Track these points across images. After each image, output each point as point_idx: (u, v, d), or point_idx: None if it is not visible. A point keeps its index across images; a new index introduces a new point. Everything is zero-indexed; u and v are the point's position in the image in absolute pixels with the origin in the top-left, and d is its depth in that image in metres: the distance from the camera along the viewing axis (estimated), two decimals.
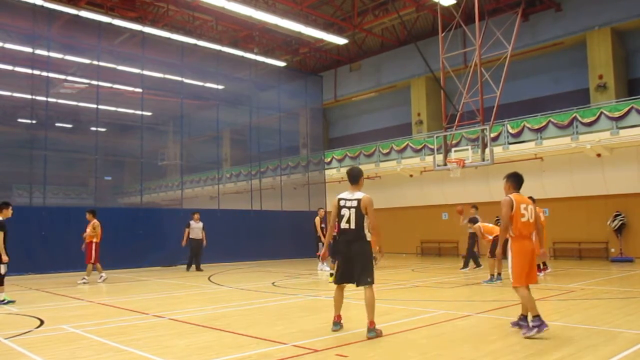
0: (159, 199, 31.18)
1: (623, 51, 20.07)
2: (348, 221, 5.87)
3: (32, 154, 16.94)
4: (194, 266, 16.21)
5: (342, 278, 6.02)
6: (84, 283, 12.27)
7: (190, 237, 16.01)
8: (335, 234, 6.31)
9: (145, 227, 17.77)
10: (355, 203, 5.86)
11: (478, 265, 14.61)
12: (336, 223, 6.13)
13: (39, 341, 5.89)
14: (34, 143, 17.30)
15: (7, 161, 20.49)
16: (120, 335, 6.11)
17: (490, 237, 11.59)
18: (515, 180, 6.17)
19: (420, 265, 16.98)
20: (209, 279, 13.51)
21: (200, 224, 16.17)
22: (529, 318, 5.74)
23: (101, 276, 12.77)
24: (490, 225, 12.31)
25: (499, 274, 11.26)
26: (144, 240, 17.50)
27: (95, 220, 12.70)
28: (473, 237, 14.32)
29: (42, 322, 7.03)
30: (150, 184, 29.90)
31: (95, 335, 6.09)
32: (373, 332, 5.66)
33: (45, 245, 14.80)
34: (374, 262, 6.03)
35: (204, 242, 16.16)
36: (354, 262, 5.87)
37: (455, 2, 17.49)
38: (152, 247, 17.53)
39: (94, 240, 12.59)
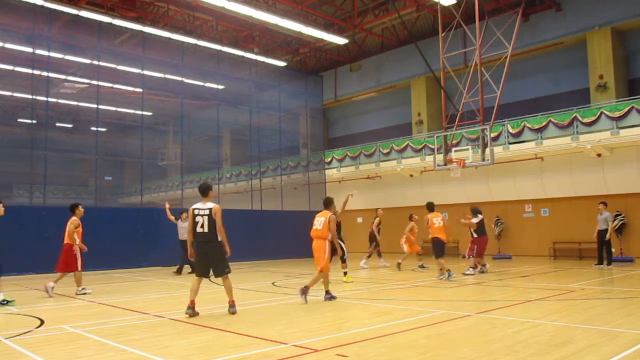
0: (159, 199, 31.15)
1: (623, 51, 20.06)
2: (202, 226, 7.24)
3: (32, 154, 16.95)
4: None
5: (201, 272, 7.47)
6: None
7: (179, 239, 14.98)
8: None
9: (145, 227, 17.75)
10: (207, 212, 7.28)
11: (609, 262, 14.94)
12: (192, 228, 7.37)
13: (39, 341, 5.89)
14: (34, 143, 17.30)
15: (7, 161, 20.47)
16: (120, 335, 6.10)
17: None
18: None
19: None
20: (208, 278, 13.49)
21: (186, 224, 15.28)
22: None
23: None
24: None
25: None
26: (144, 240, 17.48)
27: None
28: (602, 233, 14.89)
29: (42, 322, 7.04)
30: (150, 184, 29.92)
31: (95, 335, 6.09)
32: (234, 308, 7.42)
33: (46, 245, 14.79)
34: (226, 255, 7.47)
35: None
36: (210, 258, 7.35)
37: (455, 2, 17.49)
38: (152, 247, 17.52)
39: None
